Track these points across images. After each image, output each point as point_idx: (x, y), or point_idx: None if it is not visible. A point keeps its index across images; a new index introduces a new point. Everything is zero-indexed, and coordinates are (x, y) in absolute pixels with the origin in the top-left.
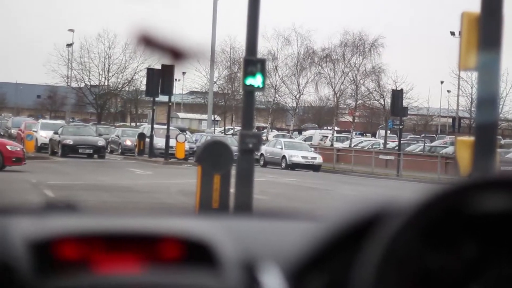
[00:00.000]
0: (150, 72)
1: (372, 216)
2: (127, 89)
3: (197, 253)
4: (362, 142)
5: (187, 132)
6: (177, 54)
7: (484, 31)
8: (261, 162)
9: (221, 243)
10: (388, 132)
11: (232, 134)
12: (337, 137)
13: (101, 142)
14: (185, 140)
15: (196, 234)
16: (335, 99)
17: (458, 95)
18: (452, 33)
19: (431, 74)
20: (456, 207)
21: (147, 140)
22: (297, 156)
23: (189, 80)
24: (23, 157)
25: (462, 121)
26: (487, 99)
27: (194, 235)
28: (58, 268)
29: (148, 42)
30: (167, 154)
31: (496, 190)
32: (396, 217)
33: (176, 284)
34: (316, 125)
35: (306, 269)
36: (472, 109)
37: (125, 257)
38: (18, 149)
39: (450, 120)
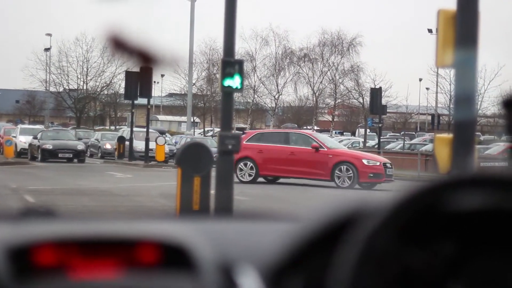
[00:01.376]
0: (129, 75)
1: (348, 215)
2: (105, 92)
3: (174, 257)
4: (342, 141)
5: (166, 134)
6: (148, 58)
7: (460, 28)
8: None
9: (199, 246)
10: (368, 130)
11: (212, 136)
12: None
13: (80, 146)
14: (165, 142)
15: (173, 238)
16: (314, 98)
17: (436, 92)
18: (430, 31)
19: (410, 72)
20: (433, 205)
21: (127, 143)
22: None
23: (167, 82)
24: (383, 173)
25: (441, 118)
26: (465, 96)
27: (171, 238)
28: (36, 274)
29: (120, 45)
30: (147, 157)
31: (473, 187)
32: (373, 217)
33: None
34: (296, 125)
35: (284, 271)
36: (451, 106)
37: (103, 262)
38: (378, 163)
39: (429, 117)
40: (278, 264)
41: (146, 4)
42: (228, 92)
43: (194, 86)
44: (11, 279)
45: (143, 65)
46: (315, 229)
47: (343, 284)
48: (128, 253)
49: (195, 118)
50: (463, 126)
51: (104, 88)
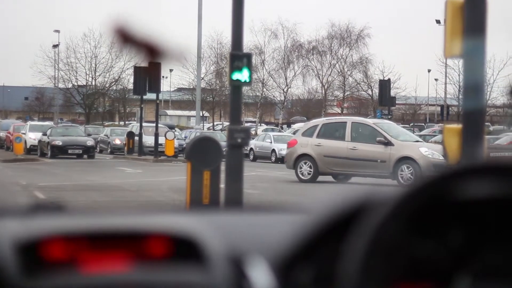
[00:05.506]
0: (137, 70)
1: (357, 206)
2: (114, 88)
3: (184, 249)
4: None
5: (176, 129)
6: (155, 52)
7: (468, 18)
8: (251, 157)
9: (208, 239)
10: None
11: (221, 130)
12: None
13: (90, 142)
14: (174, 137)
15: (183, 230)
16: (323, 91)
17: (445, 83)
18: (438, 21)
19: (418, 63)
20: (442, 195)
21: (136, 138)
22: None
23: (176, 77)
24: None
25: (450, 108)
26: (473, 86)
27: (180, 231)
28: (46, 269)
29: (127, 39)
30: (156, 152)
31: (480, 176)
32: (381, 207)
33: (163, 281)
34: (305, 118)
35: (293, 262)
36: (460, 96)
37: (112, 256)
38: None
39: (439, 108)
40: (288, 256)
41: None
42: (236, 86)
43: (202, 80)
44: (20, 274)
45: (150, 60)
46: (324, 220)
47: (352, 275)
48: (138, 246)
49: (204, 112)
50: (472, 116)
51: (113, 84)
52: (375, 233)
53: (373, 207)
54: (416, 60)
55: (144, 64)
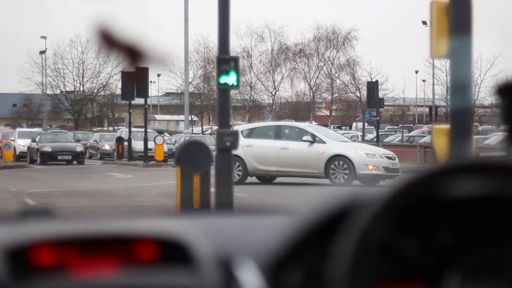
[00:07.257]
0: (125, 75)
1: (345, 206)
2: (102, 93)
3: (173, 253)
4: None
5: (165, 133)
6: (140, 55)
7: (454, 18)
8: None
9: (197, 241)
10: (366, 124)
11: (210, 134)
12: None
13: (79, 148)
14: (164, 142)
15: (171, 234)
16: (311, 93)
17: (433, 84)
18: (424, 23)
19: (406, 65)
20: (429, 194)
21: (126, 143)
22: None
23: (164, 82)
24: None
25: (438, 109)
26: (461, 85)
27: (169, 234)
28: (35, 274)
29: (110, 40)
30: (146, 156)
31: (467, 174)
32: (369, 207)
33: (153, 284)
34: (294, 121)
35: (282, 264)
36: (448, 97)
37: (101, 260)
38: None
39: (427, 109)
40: (277, 257)
41: (137, 2)
42: (224, 90)
43: (190, 84)
44: (10, 279)
45: (135, 64)
46: (312, 222)
47: (341, 276)
48: (127, 250)
49: (192, 116)
50: (460, 115)
51: (101, 89)
52: (363, 234)
53: (361, 207)
54: (403, 61)
55: (132, 69)
